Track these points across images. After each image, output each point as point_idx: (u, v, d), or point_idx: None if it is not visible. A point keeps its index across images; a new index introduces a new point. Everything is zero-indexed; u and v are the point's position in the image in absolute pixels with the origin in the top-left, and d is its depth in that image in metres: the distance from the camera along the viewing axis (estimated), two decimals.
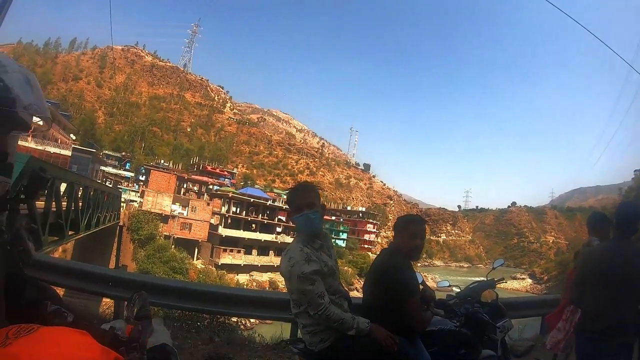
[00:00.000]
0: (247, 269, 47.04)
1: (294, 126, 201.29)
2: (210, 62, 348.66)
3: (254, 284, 43.57)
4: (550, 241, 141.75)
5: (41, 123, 1.28)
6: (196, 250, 46.28)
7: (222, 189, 61.90)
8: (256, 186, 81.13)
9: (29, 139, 35.96)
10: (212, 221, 48.40)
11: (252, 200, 52.58)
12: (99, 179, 46.94)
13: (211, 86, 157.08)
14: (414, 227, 2.58)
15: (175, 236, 44.51)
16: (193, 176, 66.99)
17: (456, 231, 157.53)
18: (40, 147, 39.08)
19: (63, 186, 11.17)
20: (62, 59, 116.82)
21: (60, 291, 3.75)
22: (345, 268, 51.92)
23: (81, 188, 13.18)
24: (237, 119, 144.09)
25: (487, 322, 2.98)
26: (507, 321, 3.27)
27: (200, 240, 46.74)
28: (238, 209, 50.39)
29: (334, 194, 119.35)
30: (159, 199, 45.70)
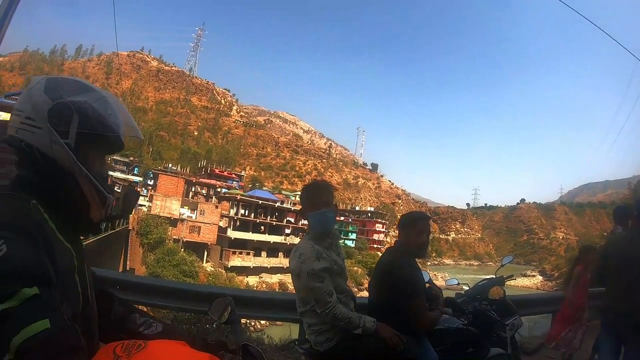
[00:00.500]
0: (257, 271, 46.94)
1: (301, 127, 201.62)
2: (215, 66, 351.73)
3: (264, 285, 43.54)
4: (560, 237, 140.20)
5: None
6: (205, 253, 46.28)
7: (230, 191, 61.92)
8: (264, 188, 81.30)
9: None
10: (221, 224, 48.34)
11: (260, 202, 52.57)
12: None
13: (217, 89, 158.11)
14: (420, 224, 2.58)
15: (185, 239, 44.59)
16: (201, 179, 67.05)
17: (465, 229, 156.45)
18: None
19: None
20: (68, 66, 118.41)
21: None
22: (355, 268, 51.58)
23: None
24: (243, 122, 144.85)
25: (495, 319, 2.96)
26: (516, 318, 3.23)
27: (209, 243, 46.74)
28: (246, 211, 50.39)
29: (342, 195, 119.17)
30: (167, 203, 45.89)
